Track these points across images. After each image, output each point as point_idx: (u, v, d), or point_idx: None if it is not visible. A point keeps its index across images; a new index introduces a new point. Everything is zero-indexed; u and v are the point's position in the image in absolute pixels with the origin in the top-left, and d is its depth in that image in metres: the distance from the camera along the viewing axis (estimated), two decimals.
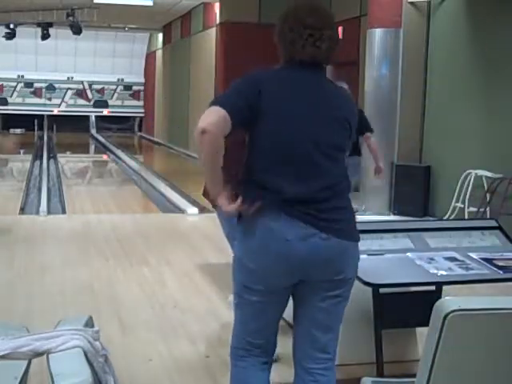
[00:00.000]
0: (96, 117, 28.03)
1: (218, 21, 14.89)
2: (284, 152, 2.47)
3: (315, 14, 2.56)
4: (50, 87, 27.41)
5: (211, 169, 2.44)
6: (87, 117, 27.98)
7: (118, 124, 28.11)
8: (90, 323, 2.64)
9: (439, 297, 3.29)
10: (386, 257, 3.34)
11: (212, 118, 2.35)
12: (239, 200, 2.45)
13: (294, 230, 2.43)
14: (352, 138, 2.61)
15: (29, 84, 27.10)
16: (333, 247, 2.47)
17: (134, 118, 28.42)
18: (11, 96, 27.02)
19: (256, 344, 2.63)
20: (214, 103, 2.40)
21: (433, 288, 3.44)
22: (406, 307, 3.47)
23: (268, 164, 2.48)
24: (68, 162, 18.14)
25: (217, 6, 15.11)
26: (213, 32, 15.71)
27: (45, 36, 18.64)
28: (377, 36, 8.78)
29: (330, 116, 2.53)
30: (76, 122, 27.08)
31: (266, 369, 2.69)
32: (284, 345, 3.99)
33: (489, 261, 3.31)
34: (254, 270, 2.49)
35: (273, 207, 2.43)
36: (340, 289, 2.58)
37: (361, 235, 3.41)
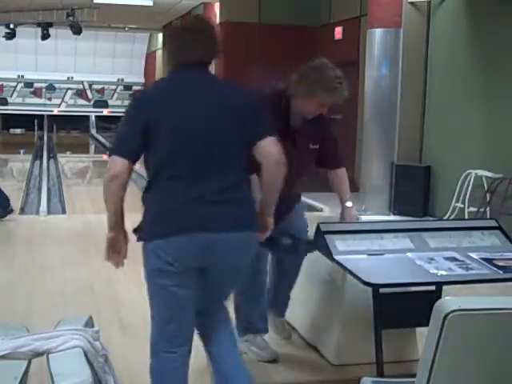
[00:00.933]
0: (96, 117, 28.01)
1: (218, 21, 14.88)
2: (177, 157, 2.70)
3: (193, 22, 2.93)
4: (50, 87, 27.39)
5: (115, 211, 2.87)
6: (87, 117, 27.97)
7: (118, 124, 28.05)
8: (90, 323, 2.65)
9: (439, 297, 3.29)
10: (386, 257, 3.34)
11: (118, 167, 2.70)
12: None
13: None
14: (250, 127, 2.78)
15: (29, 84, 27.08)
16: (223, 239, 2.70)
17: None
18: (11, 96, 27.00)
19: (175, 335, 2.81)
20: (113, 151, 2.74)
21: (433, 288, 3.44)
22: (405, 307, 3.47)
23: (165, 169, 2.72)
24: (68, 162, 18.14)
25: (217, 6, 15.09)
26: None
27: (45, 36, 18.64)
28: (377, 36, 8.78)
29: (218, 110, 2.75)
30: (76, 122, 27.08)
31: (186, 362, 2.87)
32: (284, 345, 4.00)
33: (489, 261, 3.31)
34: (166, 248, 2.71)
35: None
36: (231, 274, 2.86)
37: (361, 235, 3.43)
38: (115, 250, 2.90)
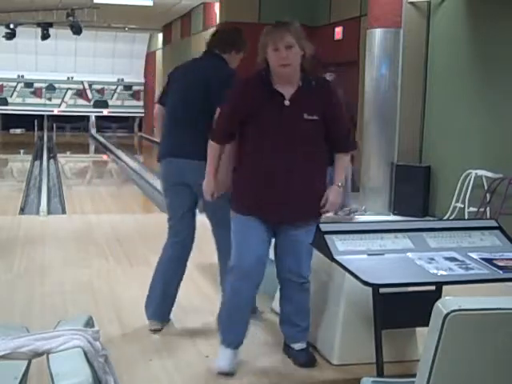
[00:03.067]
0: (96, 117, 28.02)
1: (218, 21, 14.87)
2: (169, 110, 4.24)
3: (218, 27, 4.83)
4: (50, 87, 27.40)
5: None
6: (87, 117, 27.98)
7: (117, 124, 28.10)
8: (90, 323, 2.64)
9: (439, 297, 3.29)
10: (386, 257, 3.34)
11: (155, 111, 4.44)
12: None
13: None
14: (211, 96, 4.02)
15: (29, 84, 27.10)
16: (178, 163, 4.12)
17: (134, 118, 28.40)
18: (11, 96, 27.02)
19: (170, 224, 4.38)
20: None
21: (433, 288, 3.44)
22: (406, 307, 3.47)
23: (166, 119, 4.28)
24: (68, 162, 18.15)
25: (217, 6, 15.09)
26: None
27: (45, 36, 18.67)
28: (377, 36, 8.78)
29: (190, 81, 4.13)
30: (76, 122, 27.11)
31: (173, 246, 4.37)
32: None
33: (489, 261, 3.31)
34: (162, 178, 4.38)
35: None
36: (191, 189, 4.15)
37: (361, 235, 3.44)
38: None
